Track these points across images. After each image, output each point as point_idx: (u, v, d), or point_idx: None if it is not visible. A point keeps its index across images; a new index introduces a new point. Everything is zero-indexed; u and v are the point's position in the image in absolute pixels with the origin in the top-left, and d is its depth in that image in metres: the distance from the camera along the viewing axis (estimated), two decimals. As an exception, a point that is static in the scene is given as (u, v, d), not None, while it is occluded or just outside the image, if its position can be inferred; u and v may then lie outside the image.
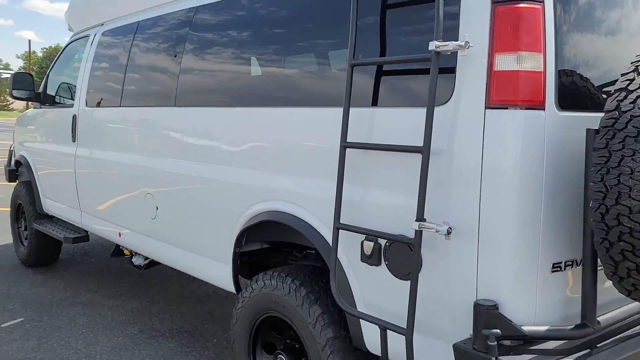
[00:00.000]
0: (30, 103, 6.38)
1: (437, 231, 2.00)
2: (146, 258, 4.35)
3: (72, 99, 5.40)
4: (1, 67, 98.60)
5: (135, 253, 4.40)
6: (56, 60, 5.58)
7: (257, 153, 2.96)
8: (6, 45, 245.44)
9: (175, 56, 3.67)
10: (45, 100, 5.54)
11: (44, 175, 5.54)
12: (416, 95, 2.27)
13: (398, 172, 2.25)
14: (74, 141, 4.86)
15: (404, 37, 2.39)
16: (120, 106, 4.19)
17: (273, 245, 3.18)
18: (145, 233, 3.96)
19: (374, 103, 2.41)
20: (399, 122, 2.28)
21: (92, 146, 4.60)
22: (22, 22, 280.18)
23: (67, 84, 5.54)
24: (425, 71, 2.13)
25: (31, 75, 5.51)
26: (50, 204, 5.51)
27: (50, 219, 5.76)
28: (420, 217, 2.04)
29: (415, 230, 2.05)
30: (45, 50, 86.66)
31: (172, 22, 3.80)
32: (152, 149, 3.81)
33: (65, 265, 6.12)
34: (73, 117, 4.88)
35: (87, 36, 5.05)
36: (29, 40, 74.05)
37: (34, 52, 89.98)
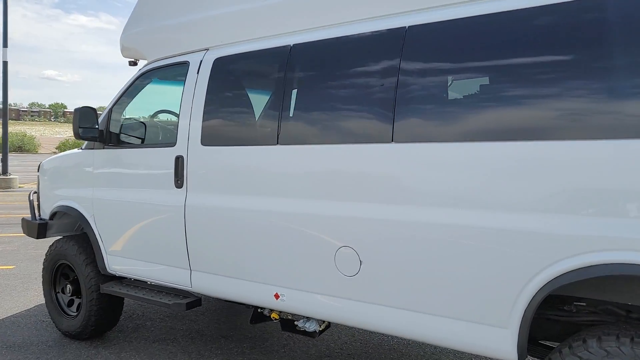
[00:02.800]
0: (82, 143, 5.34)
1: None
2: (322, 322, 3.67)
3: (164, 137, 4.60)
4: None
5: (306, 318, 3.70)
6: (122, 94, 4.69)
7: (574, 194, 2.52)
8: None
9: (382, 85, 3.13)
10: (109, 139, 4.63)
11: (113, 229, 4.60)
12: None
13: None
14: (181, 187, 4.07)
15: None
16: (279, 144, 3.52)
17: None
18: (333, 293, 3.32)
19: None
20: None
21: (221, 192, 3.84)
22: None
23: (148, 121, 4.69)
24: None
25: (95, 109, 4.58)
26: (123, 263, 4.58)
27: (119, 280, 4.79)
28: None
29: None
30: None
31: (369, 42, 3.26)
32: (352, 194, 3.20)
33: (124, 336, 5.13)
34: (177, 158, 4.09)
35: (183, 63, 4.28)
36: None
37: None
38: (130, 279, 4.75)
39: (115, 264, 4.67)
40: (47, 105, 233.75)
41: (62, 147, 59.83)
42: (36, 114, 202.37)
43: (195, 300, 4.20)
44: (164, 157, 4.22)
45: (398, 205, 3.02)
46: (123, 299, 4.99)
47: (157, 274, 4.35)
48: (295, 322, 3.74)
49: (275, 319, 3.87)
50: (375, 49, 3.24)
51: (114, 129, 4.63)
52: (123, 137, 4.59)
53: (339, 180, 3.26)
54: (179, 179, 4.09)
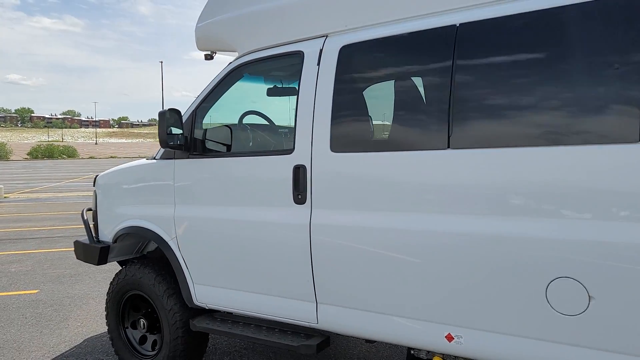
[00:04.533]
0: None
1: None
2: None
3: (266, 143, 3.90)
4: None
5: None
6: (208, 93, 3.92)
7: None
8: None
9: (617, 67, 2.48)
10: (194, 147, 3.88)
11: (203, 253, 3.86)
12: None
13: None
14: (303, 203, 3.36)
15: None
16: (450, 148, 2.84)
17: None
18: (539, 335, 2.66)
19: None
20: None
21: (361, 208, 3.14)
22: None
23: (241, 125, 3.96)
24: None
25: (180, 112, 3.82)
26: (217, 294, 3.85)
27: (210, 315, 4.05)
28: None
29: None
30: None
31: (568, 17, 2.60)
32: (582, 208, 2.54)
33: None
34: (297, 169, 3.38)
35: (294, 54, 3.57)
36: None
37: None
38: (223, 312, 4.01)
39: (205, 295, 3.93)
40: (12, 111, 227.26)
41: (34, 152, 58.04)
42: (2, 119, 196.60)
43: (324, 341, 3.49)
44: (276, 167, 3.50)
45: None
46: (208, 334, 4.24)
47: (267, 307, 3.63)
48: None
49: None
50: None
51: (200, 135, 3.88)
52: (211, 145, 3.85)
53: (553, 191, 2.60)
54: (299, 193, 3.38)
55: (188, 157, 3.93)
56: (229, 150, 3.83)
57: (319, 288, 3.37)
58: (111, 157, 59.40)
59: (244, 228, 3.64)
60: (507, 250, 2.69)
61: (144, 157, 4.50)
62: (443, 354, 3.11)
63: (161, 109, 3.71)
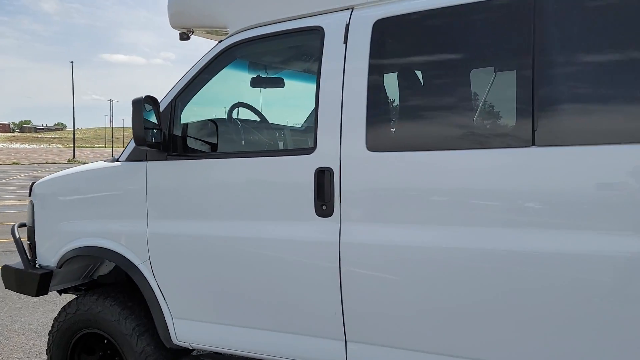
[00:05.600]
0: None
1: None
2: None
3: (273, 141, 3.17)
4: None
5: None
6: (191, 80, 3.10)
7: None
8: None
9: None
10: (174, 147, 3.06)
11: (187, 280, 3.05)
12: None
13: None
14: (329, 215, 2.66)
15: None
16: (536, 145, 2.26)
17: None
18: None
19: None
20: None
21: (410, 222, 2.50)
22: None
23: (240, 120, 3.18)
24: None
25: (157, 101, 2.97)
26: (205, 331, 3.05)
27: (195, 358, 3.22)
28: None
29: None
30: None
31: None
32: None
33: None
34: (321, 172, 2.67)
35: (311, 30, 2.86)
36: None
37: None
38: (209, 353, 3.21)
39: (188, 332, 3.11)
40: None
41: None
42: None
43: None
44: (292, 171, 2.78)
45: None
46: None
47: (275, 347, 2.88)
48: None
49: None
50: None
51: (183, 131, 3.06)
52: (198, 144, 3.04)
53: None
54: (324, 203, 2.67)
55: (166, 159, 3.10)
56: (223, 150, 3.05)
57: (349, 323, 2.68)
58: (14, 163, 54.73)
59: (244, 247, 2.88)
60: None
61: (102, 160, 3.59)
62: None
63: (135, 97, 2.86)
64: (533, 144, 2.27)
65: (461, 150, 2.41)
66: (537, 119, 2.26)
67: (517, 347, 2.32)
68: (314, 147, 2.71)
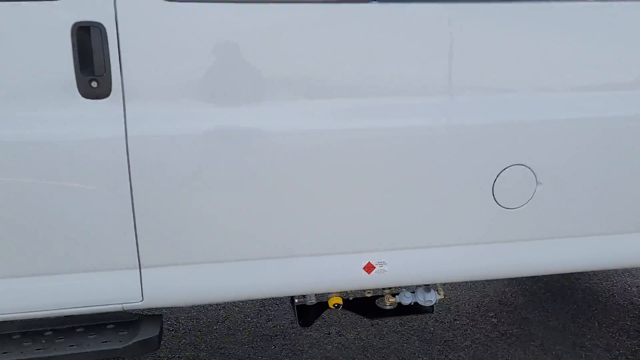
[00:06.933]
0: None
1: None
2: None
3: None
4: None
5: (414, 287, 2.41)
6: None
7: None
8: None
9: None
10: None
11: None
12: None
13: None
14: (103, 96, 1.78)
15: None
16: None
17: None
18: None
19: None
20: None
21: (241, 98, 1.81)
22: None
23: None
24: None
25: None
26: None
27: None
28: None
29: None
30: None
31: None
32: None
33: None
34: (81, 30, 1.73)
35: None
36: None
37: None
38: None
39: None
40: None
41: None
42: None
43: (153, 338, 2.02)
44: (34, 28, 1.79)
45: None
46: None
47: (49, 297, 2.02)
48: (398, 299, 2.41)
49: (335, 306, 2.36)
50: None
51: None
52: None
53: None
54: (94, 78, 1.78)
55: None
56: None
57: (142, 241, 1.90)
58: None
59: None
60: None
61: None
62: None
63: None
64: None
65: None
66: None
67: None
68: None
